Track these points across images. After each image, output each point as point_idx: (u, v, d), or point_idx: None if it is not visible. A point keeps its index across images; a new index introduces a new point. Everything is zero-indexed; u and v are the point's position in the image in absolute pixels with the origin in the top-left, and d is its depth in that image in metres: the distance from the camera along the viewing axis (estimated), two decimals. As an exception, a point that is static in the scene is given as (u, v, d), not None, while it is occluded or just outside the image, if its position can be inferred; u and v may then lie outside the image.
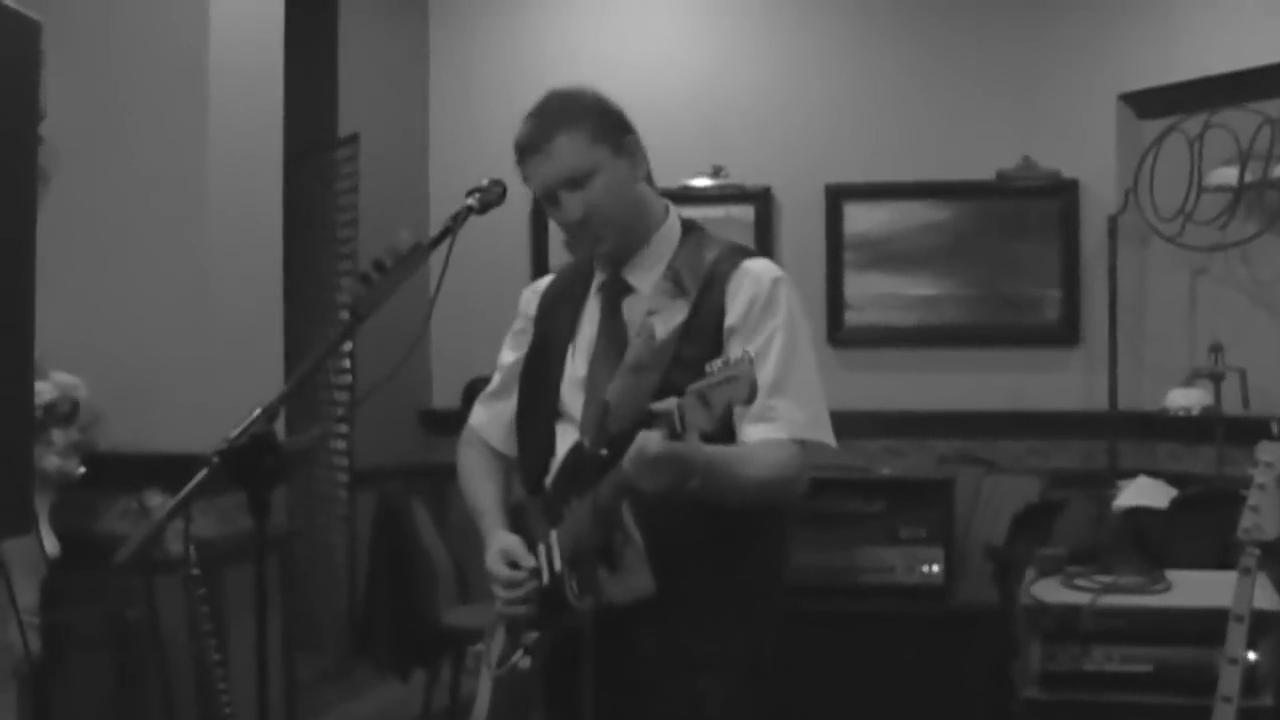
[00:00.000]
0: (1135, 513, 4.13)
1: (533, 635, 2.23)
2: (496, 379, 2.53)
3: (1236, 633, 2.72)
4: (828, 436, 2.24)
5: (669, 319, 2.23)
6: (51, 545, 3.44)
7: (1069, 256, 5.46)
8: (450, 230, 2.15)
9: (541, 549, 2.22)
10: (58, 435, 3.56)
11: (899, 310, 5.60)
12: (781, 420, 2.17)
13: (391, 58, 5.95)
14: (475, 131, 5.87)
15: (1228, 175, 4.83)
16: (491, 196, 2.22)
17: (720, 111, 5.63)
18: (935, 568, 4.26)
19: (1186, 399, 4.85)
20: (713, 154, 5.56)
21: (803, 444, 2.19)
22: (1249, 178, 4.78)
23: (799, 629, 2.33)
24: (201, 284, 3.83)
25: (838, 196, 5.65)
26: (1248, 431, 2.82)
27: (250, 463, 1.89)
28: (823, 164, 5.64)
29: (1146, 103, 5.30)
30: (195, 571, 3.26)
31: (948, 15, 5.60)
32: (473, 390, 5.68)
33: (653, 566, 2.11)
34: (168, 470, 2.60)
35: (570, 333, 2.37)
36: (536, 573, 2.21)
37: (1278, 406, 4.37)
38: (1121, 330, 5.28)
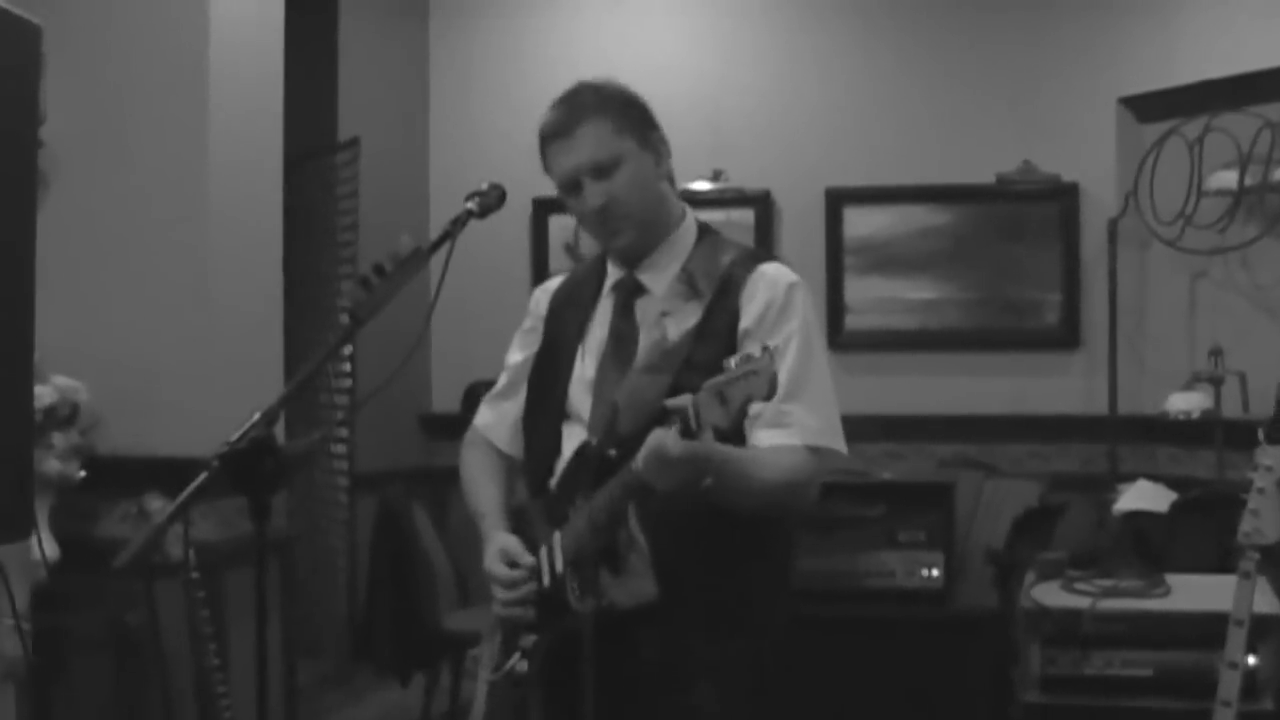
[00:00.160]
0: (1135, 516, 4.13)
1: (530, 639, 2.21)
2: (503, 379, 2.50)
3: (1236, 637, 2.71)
4: (840, 444, 2.21)
5: (682, 321, 2.21)
6: (51, 549, 3.44)
7: (1069, 260, 5.46)
8: (450, 234, 2.13)
9: (544, 551, 2.19)
10: (58, 439, 3.56)
11: (899, 314, 5.60)
12: (795, 426, 2.14)
13: (391, 62, 5.96)
14: (475, 135, 5.88)
15: (1228, 179, 4.83)
16: (491, 200, 2.20)
17: (720, 115, 5.63)
18: (935, 571, 4.25)
19: (1186, 402, 4.85)
20: (713, 157, 5.57)
21: (816, 451, 2.16)
22: (1249, 181, 4.78)
23: (798, 633, 2.31)
24: (201, 288, 3.83)
25: (838, 200, 5.65)
26: (1248, 435, 2.81)
27: (250, 466, 1.88)
28: (823, 167, 5.64)
29: (1146, 106, 5.31)
30: (195, 575, 3.26)
31: (947, 19, 5.61)
32: (473, 394, 5.70)
33: (655, 571, 2.09)
34: (168, 474, 2.60)
35: (581, 333, 2.34)
36: (536, 572, 2.19)
37: (1278, 410, 4.37)
38: (1122, 334, 5.28)
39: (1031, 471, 5.16)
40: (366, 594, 5.01)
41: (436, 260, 2.12)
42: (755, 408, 2.00)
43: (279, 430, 2.32)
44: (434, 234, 2.15)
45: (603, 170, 2.22)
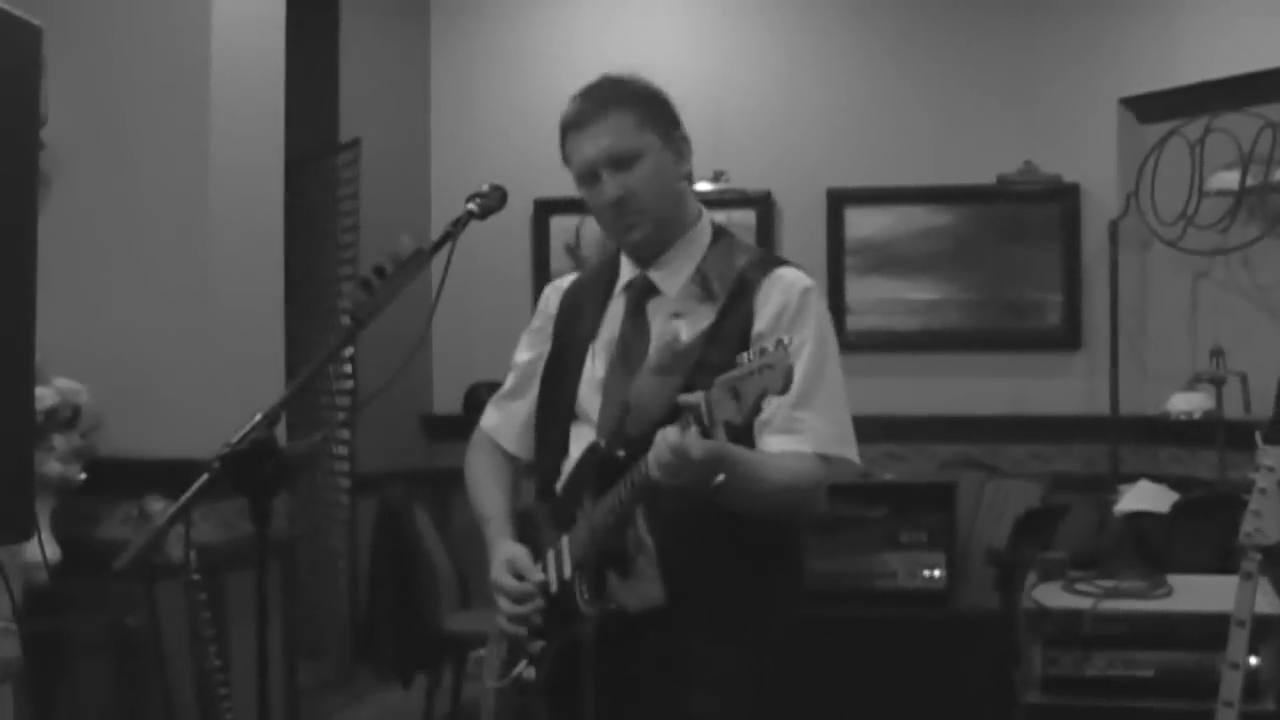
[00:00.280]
0: (1137, 517, 4.12)
1: (538, 645, 2.17)
2: (511, 379, 2.46)
3: (1238, 637, 2.71)
4: (852, 453, 2.18)
5: (695, 323, 2.18)
6: (53, 551, 3.44)
7: (1070, 261, 5.46)
8: (451, 235, 2.12)
9: (551, 555, 2.17)
10: (59, 441, 3.56)
11: (900, 315, 5.60)
12: (806, 433, 2.11)
13: (393, 63, 5.96)
14: (477, 136, 5.88)
15: (1229, 179, 4.83)
16: (492, 202, 2.19)
17: (721, 116, 5.63)
18: (937, 572, 4.25)
19: (1188, 403, 4.85)
20: (714, 158, 5.56)
21: (826, 459, 2.13)
22: (1250, 182, 4.78)
23: (799, 633, 2.31)
24: (203, 289, 3.83)
25: (839, 201, 5.65)
26: (1249, 436, 2.81)
27: (251, 468, 1.88)
28: (824, 168, 5.64)
29: (1147, 107, 5.31)
30: (196, 577, 3.26)
31: (948, 20, 5.61)
32: (474, 395, 5.71)
33: (661, 573, 2.06)
34: (169, 476, 2.60)
35: (592, 332, 2.31)
36: (544, 586, 2.15)
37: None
38: (1123, 334, 5.28)
39: (1033, 472, 5.16)
40: (368, 595, 5.02)
41: (437, 261, 2.12)
42: (767, 411, 1.97)
43: (280, 432, 2.32)
44: (435, 235, 2.14)
45: (622, 162, 2.19)
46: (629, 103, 2.22)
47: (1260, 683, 3.13)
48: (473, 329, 5.58)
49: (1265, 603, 3.13)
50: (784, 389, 1.78)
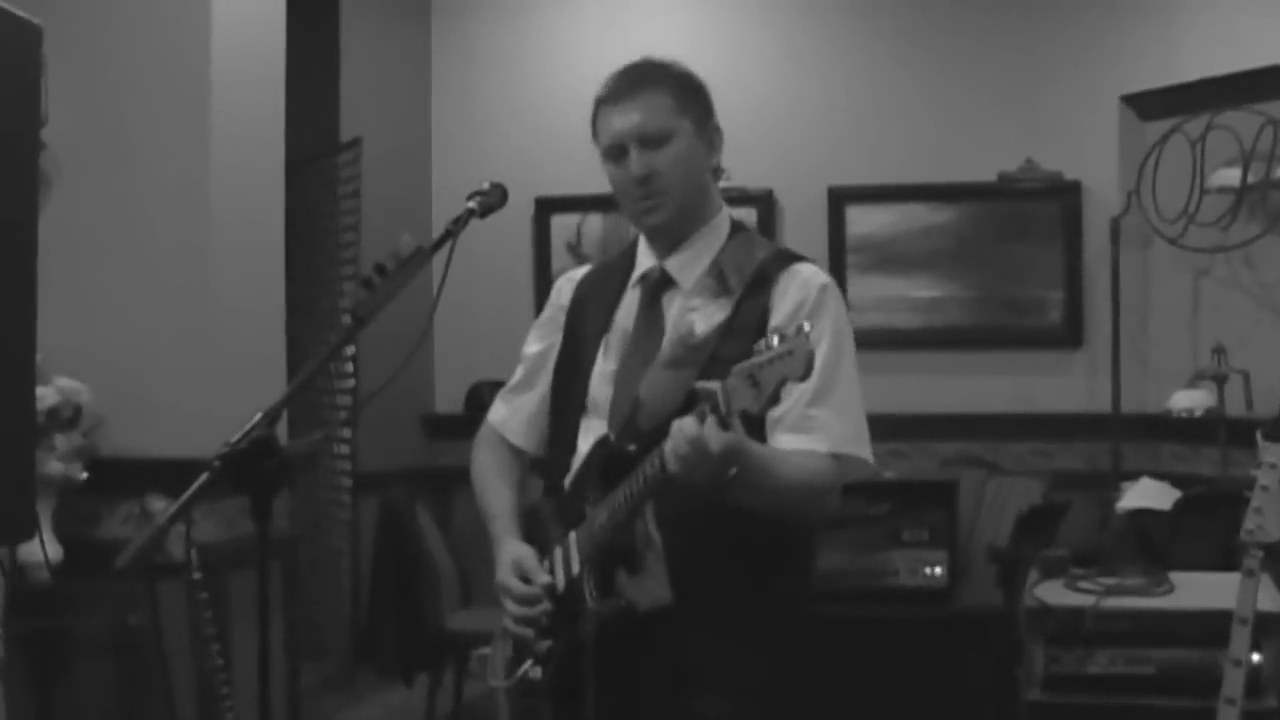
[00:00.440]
0: (1139, 514, 4.13)
1: (545, 644, 2.13)
2: (519, 371, 2.41)
3: (1240, 635, 2.71)
4: (866, 452, 2.12)
5: (710, 316, 2.14)
6: (54, 550, 3.45)
7: (1071, 258, 5.46)
8: (452, 234, 2.11)
9: (558, 552, 2.14)
10: (60, 440, 3.56)
11: (902, 312, 5.60)
12: (820, 432, 2.07)
13: (393, 62, 5.96)
14: (477, 135, 5.88)
15: (1230, 177, 4.83)
16: (493, 200, 2.17)
17: (722, 114, 5.58)
18: (938, 570, 4.24)
19: (1190, 400, 4.85)
20: (715, 157, 5.55)
21: (839, 459, 2.08)
22: (1251, 179, 4.78)
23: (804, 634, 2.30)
24: (203, 289, 3.83)
25: (840, 199, 5.65)
26: (1251, 433, 2.82)
27: (252, 467, 1.87)
28: (825, 166, 5.64)
29: (1149, 104, 5.30)
30: (197, 576, 3.25)
31: (950, 18, 5.61)
32: (475, 394, 5.72)
33: (668, 570, 2.03)
34: (170, 475, 2.59)
35: (605, 324, 2.27)
36: (550, 589, 2.12)
37: (1281, 408, 4.37)
38: (1124, 332, 5.28)
39: (1035, 470, 5.16)
40: (369, 594, 5.01)
41: (438, 260, 2.11)
42: (780, 408, 1.95)
43: (281, 430, 2.32)
44: (436, 234, 2.14)
45: (652, 141, 2.16)
46: (668, 84, 2.20)
47: (1262, 680, 3.13)
48: (474, 328, 5.58)
49: (1267, 600, 3.12)
50: (805, 375, 1.74)
